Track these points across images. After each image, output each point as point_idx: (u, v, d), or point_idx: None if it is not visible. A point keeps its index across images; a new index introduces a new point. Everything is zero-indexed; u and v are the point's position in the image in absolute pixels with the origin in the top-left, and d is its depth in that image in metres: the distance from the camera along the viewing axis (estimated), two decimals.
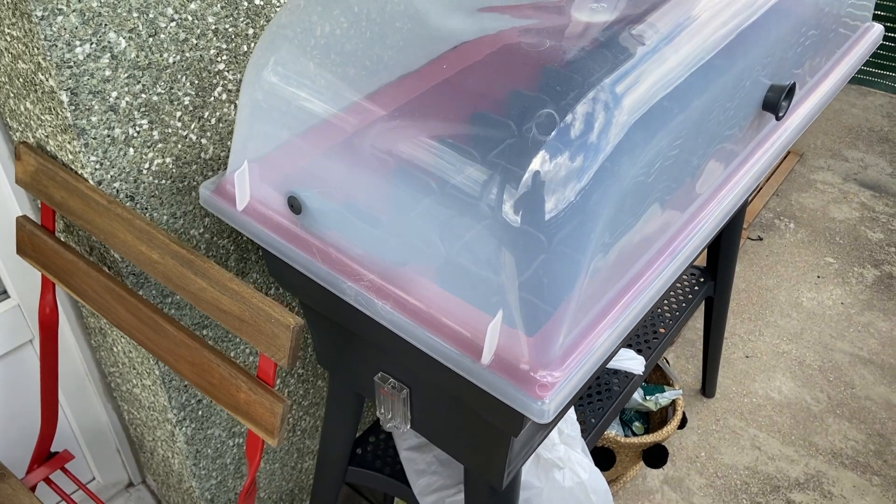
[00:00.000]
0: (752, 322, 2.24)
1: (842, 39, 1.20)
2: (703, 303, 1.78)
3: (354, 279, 0.84)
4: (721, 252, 1.66)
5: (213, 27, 0.99)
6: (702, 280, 1.72)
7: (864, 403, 2.01)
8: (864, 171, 2.85)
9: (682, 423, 1.63)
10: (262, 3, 1.03)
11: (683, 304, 1.66)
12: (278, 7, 1.05)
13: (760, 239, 2.54)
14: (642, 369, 1.35)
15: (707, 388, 1.99)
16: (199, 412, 1.26)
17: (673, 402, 1.62)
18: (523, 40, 0.74)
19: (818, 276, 2.39)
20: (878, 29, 1.31)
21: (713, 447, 1.90)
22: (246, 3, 1.01)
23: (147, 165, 0.99)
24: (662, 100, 0.76)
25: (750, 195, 1.01)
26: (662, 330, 1.59)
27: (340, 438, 1.26)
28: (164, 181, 1.02)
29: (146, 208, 1.02)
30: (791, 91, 0.98)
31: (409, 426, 1.07)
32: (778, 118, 0.98)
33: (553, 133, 0.69)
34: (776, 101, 0.96)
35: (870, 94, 3.28)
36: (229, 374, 0.85)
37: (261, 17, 1.04)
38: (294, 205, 0.87)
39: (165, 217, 1.05)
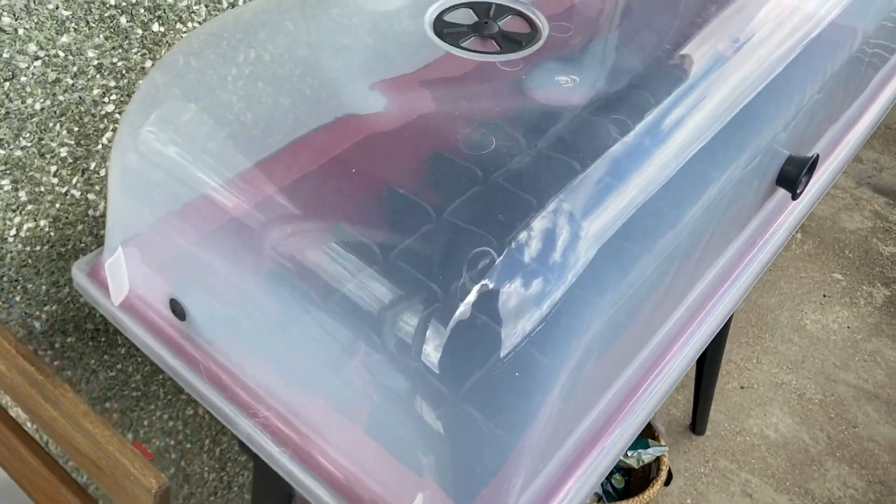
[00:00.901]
0: (750, 347, 2.07)
1: (871, 75, 1.00)
2: None
3: (249, 413, 0.66)
4: None
5: (96, 62, 0.79)
6: None
7: (867, 445, 1.85)
8: (878, 174, 2.65)
9: (668, 481, 1.47)
10: (162, 29, 0.83)
11: None
12: (184, 32, 0.85)
13: None
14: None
15: (697, 425, 1.83)
16: None
17: (657, 459, 1.46)
18: (461, 138, 0.55)
19: (824, 295, 2.22)
20: None
21: (700, 493, 1.74)
22: (140, 31, 0.81)
23: (13, 232, 0.80)
24: (642, 215, 0.57)
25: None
26: None
27: None
28: (39, 247, 0.83)
29: (16, 280, 0.83)
30: (814, 165, 0.78)
31: None
32: (795, 197, 0.79)
33: (488, 276, 0.50)
34: (795, 178, 0.77)
35: None
36: None
37: (161, 47, 0.84)
38: (176, 309, 0.68)
39: (45, 287, 0.86)
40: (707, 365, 1.68)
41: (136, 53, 0.82)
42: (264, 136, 0.61)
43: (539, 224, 0.53)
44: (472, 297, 0.50)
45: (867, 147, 2.76)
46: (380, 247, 0.54)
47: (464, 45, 0.64)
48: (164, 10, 0.82)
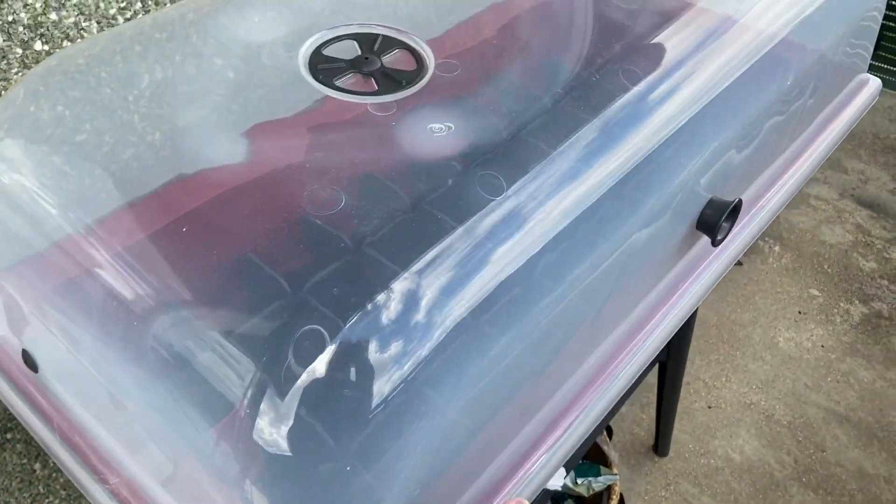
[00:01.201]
0: (720, 365, 2.01)
1: (820, 106, 0.94)
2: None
3: (99, 478, 0.61)
4: None
5: None
6: None
7: (834, 471, 1.80)
8: (863, 185, 2.58)
9: None
10: (46, 48, 0.77)
11: None
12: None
13: (740, 264, 2.29)
14: (561, 482, 1.13)
15: (660, 446, 1.78)
16: None
17: (609, 488, 1.41)
18: (306, 197, 0.49)
19: (799, 312, 2.16)
20: (873, 85, 1.05)
21: None
22: (20, 50, 0.75)
23: None
24: (512, 286, 0.51)
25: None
26: None
27: None
28: None
29: None
30: (736, 210, 0.73)
31: None
32: (715, 243, 0.73)
33: (318, 360, 0.45)
34: (714, 223, 0.72)
35: (881, 93, 2.97)
36: None
37: None
38: (28, 360, 0.63)
39: None
40: (667, 386, 1.63)
41: (15, 74, 0.77)
42: (108, 187, 0.55)
43: (385, 298, 0.48)
44: (297, 384, 0.45)
45: (853, 157, 2.69)
46: (216, 319, 0.49)
47: (339, 83, 0.59)
48: (48, 27, 0.76)
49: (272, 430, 0.47)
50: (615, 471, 1.45)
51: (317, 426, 0.48)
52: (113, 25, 0.81)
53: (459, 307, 0.49)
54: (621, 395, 0.69)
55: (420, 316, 0.48)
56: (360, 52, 0.62)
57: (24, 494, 1.04)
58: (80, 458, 0.61)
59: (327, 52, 0.62)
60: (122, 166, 0.56)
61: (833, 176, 2.61)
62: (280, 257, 0.49)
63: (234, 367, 0.49)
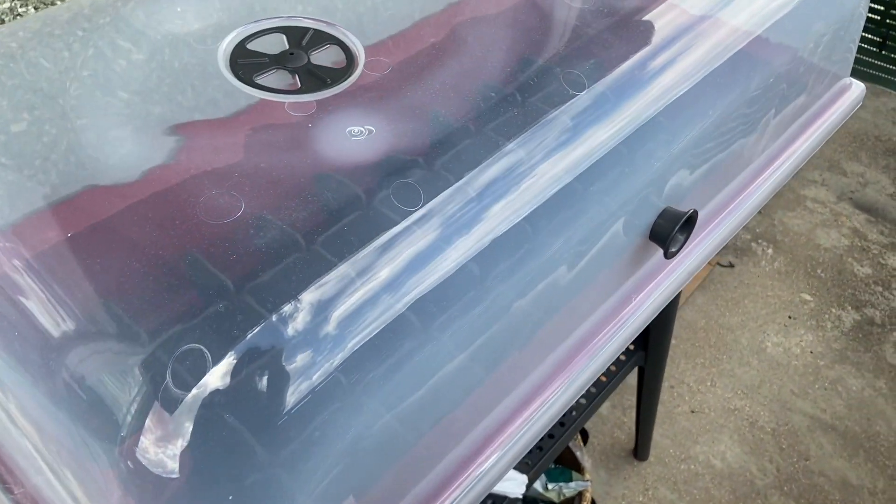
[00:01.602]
0: (706, 369, 1.98)
1: (795, 112, 0.90)
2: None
3: (4, 486, 0.58)
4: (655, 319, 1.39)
5: None
6: (630, 348, 1.46)
7: (817, 481, 1.77)
8: (862, 188, 2.53)
9: None
10: None
11: (603, 379, 1.40)
12: None
13: (732, 266, 2.25)
14: (522, 491, 1.10)
15: (640, 450, 1.75)
16: None
17: (580, 494, 1.38)
18: (202, 203, 0.46)
19: (790, 317, 2.12)
20: (856, 90, 1.00)
21: None
22: None
23: None
24: (423, 307, 0.48)
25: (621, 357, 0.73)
26: (573, 413, 1.34)
27: None
28: None
29: None
30: (691, 221, 0.69)
31: None
32: (667, 255, 0.70)
33: (198, 385, 0.42)
34: (667, 234, 0.68)
35: (883, 94, 2.92)
36: None
37: None
38: None
39: None
40: (646, 390, 1.60)
41: None
42: (20, 191, 0.52)
43: (280, 318, 0.45)
44: (184, 402, 0.42)
45: (853, 159, 2.64)
46: (106, 334, 0.46)
47: (259, 79, 0.55)
48: None
49: (158, 450, 0.44)
50: (587, 477, 1.42)
51: (208, 443, 0.45)
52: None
53: (360, 331, 0.46)
54: (571, 403, 0.66)
55: (309, 342, 0.45)
56: (287, 47, 0.58)
57: None
58: None
59: (253, 45, 0.58)
60: (14, 179, 0.53)
61: (832, 178, 2.56)
62: (171, 268, 0.46)
63: (122, 386, 0.46)
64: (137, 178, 0.48)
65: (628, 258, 0.70)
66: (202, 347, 0.42)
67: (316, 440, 0.46)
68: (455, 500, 0.61)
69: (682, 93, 0.68)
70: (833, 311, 2.14)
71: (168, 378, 0.41)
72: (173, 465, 0.44)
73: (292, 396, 0.45)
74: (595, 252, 0.64)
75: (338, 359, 0.46)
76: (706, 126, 0.71)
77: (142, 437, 0.44)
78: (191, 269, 0.45)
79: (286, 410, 0.44)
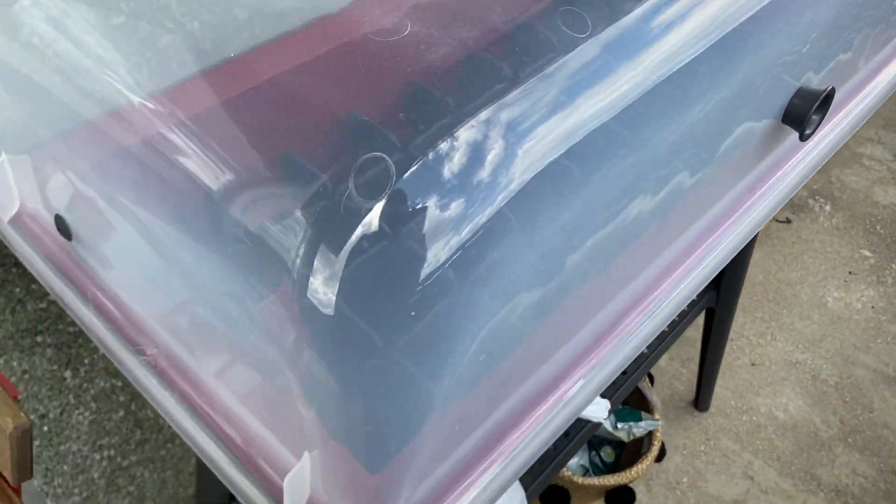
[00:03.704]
0: (765, 323, 1.94)
1: None
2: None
3: (136, 349, 0.57)
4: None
5: None
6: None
7: (881, 432, 1.73)
8: None
9: (660, 457, 1.37)
10: None
11: (674, 319, 1.37)
12: None
13: (789, 221, 2.21)
14: (605, 416, 1.08)
15: (700, 401, 1.72)
16: (45, 427, 1.03)
17: (650, 434, 1.36)
18: (375, 31, 0.44)
19: (850, 272, 2.07)
20: None
21: (698, 472, 1.64)
22: None
23: None
24: (596, 138, 0.46)
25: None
26: (645, 350, 1.31)
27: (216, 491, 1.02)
28: None
29: None
30: (827, 100, 0.66)
31: None
32: (803, 138, 0.67)
33: (386, 192, 0.40)
34: (803, 115, 0.65)
35: None
36: None
37: None
38: (61, 227, 0.59)
39: None
40: (713, 337, 1.56)
41: None
42: (165, 63, 0.50)
43: (463, 134, 0.43)
44: (368, 215, 0.40)
45: None
46: (270, 180, 0.44)
47: None
48: None
49: (326, 290, 0.43)
50: (657, 416, 1.39)
51: (371, 284, 0.44)
52: None
53: (539, 148, 0.43)
54: (693, 295, 0.63)
55: (497, 155, 0.43)
56: None
57: (54, 402, 1.01)
58: (116, 330, 0.57)
59: None
60: (189, 34, 0.51)
61: (887, 136, 2.50)
62: (335, 95, 0.44)
63: (287, 228, 0.44)
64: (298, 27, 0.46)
65: (759, 142, 0.67)
66: (385, 157, 0.39)
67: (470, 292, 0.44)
68: (572, 396, 0.59)
69: None
70: (894, 266, 2.09)
71: (351, 185, 0.39)
72: (339, 303, 0.43)
73: (453, 239, 0.43)
74: (726, 134, 0.62)
75: (496, 206, 0.44)
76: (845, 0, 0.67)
77: (311, 278, 0.42)
78: (352, 122, 0.43)
79: (448, 254, 0.42)
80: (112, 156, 0.53)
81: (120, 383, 1.10)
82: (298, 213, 0.43)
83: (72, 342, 0.99)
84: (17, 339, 0.83)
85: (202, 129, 0.48)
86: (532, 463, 0.54)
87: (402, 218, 0.41)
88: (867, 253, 2.13)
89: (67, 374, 1.01)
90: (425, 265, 0.43)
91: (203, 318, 0.52)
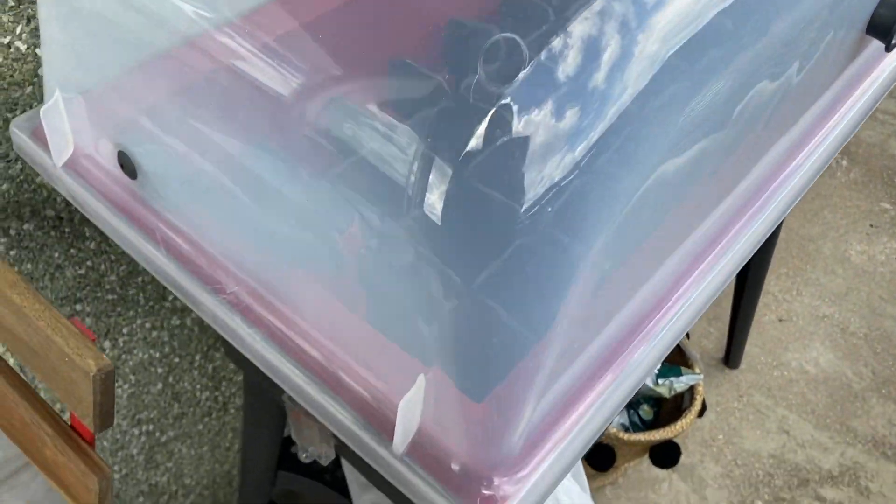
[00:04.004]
0: (790, 279, 1.92)
1: None
2: None
3: (214, 288, 0.53)
4: None
5: None
6: None
7: None
8: None
9: (701, 413, 1.35)
10: None
11: None
12: None
13: None
14: (654, 370, 1.05)
15: (731, 358, 1.70)
16: None
17: (691, 389, 1.34)
18: None
19: (871, 225, 2.06)
20: None
21: (733, 429, 1.62)
22: None
23: None
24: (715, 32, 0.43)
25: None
26: None
27: (263, 442, 0.99)
28: None
29: None
30: None
31: (332, 455, 0.79)
32: (889, 48, 0.64)
33: (517, 81, 0.37)
34: (890, 24, 0.62)
35: None
36: (31, 419, 0.56)
37: None
38: (126, 164, 0.56)
39: None
40: (747, 291, 1.54)
41: None
42: None
43: (577, 28, 0.40)
44: (467, 150, 0.37)
45: None
46: (374, 95, 0.41)
47: None
48: None
49: (441, 202, 0.40)
50: (697, 370, 1.37)
51: (490, 191, 0.41)
52: None
53: (660, 44, 0.40)
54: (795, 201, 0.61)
55: (599, 78, 0.40)
56: None
57: None
58: (190, 270, 0.54)
59: None
60: None
61: None
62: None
63: (398, 143, 0.41)
64: None
65: (841, 54, 0.64)
66: (516, 37, 0.36)
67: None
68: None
69: None
70: None
71: (480, 71, 0.36)
72: (457, 214, 0.40)
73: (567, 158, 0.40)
74: (808, 47, 0.59)
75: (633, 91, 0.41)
76: None
77: (428, 190, 0.39)
78: (451, 26, 0.40)
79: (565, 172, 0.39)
80: (187, 86, 0.50)
81: (158, 354, 1.06)
82: (415, 120, 0.39)
83: (111, 310, 0.95)
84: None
85: (293, 49, 0.45)
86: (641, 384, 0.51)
87: (528, 110, 0.38)
88: (887, 205, 2.11)
89: (107, 344, 0.98)
90: (546, 171, 0.40)
91: (294, 248, 0.49)
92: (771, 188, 0.63)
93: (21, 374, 0.63)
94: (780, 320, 1.84)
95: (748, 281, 1.51)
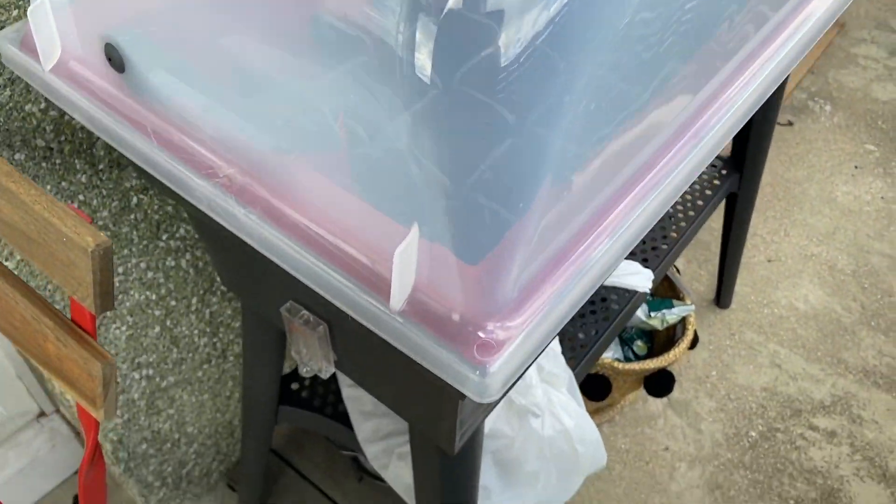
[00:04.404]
0: (777, 221, 1.94)
1: None
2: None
3: (206, 173, 0.54)
4: (751, 138, 1.35)
5: None
6: (724, 173, 1.42)
7: None
8: None
9: (693, 344, 1.37)
10: None
11: (700, 203, 1.36)
12: None
13: (791, 124, 2.20)
14: (649, 285, 1.07)
15: (722, 298, 1.72)
16: None
17: (683, 320, 1.36)
18: None
19: (856, 167, 2.08)
20: None
21: (726, 365, 1.65)
22: None
23: None
24: None
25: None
26: (674, 234, 1.31)
27: (264, 373, 1.00)
28: None
29: None
30: None
31: (331, 370, 0.80)
32: None
33: None
34: None
35: None
36: (32, 315, 0.57)
37: None
38: (113, 57, 0.56)
39: None
40: (733, 230, 1.56)
41: None
42: None
43: None
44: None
45: None
46: None
47: None
48: None
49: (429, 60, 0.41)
50: (689, 302, 1.39)
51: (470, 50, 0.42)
52: None
53: None
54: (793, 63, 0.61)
55: None
56: None
57: None
58: (182, 158, 0.54)
59: None
60: None
61: (881, 35, 2.50)
62: None
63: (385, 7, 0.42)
64: None
65: None
66: None
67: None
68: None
69: None
70: None
71: None
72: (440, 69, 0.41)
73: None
74: None
75: None
76: None
77: (416, 51, 0.41)
78: None
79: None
80: None
81: (154, 296, 1.07)
82: None
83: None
84: None
85: None
86: (638, 240, 0.52)
87: None
88: (871, 147, 2.14)
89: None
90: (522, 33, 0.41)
91: (287, 130, 0.49)
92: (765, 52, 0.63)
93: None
94: (769, 261, 1.86)
95: (734, 220, 1.52)
